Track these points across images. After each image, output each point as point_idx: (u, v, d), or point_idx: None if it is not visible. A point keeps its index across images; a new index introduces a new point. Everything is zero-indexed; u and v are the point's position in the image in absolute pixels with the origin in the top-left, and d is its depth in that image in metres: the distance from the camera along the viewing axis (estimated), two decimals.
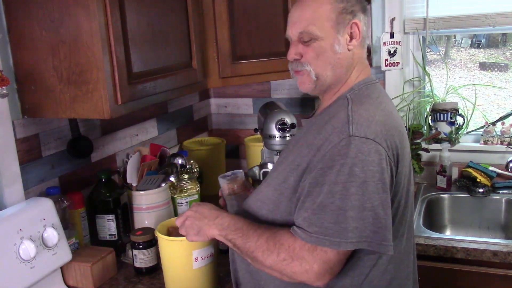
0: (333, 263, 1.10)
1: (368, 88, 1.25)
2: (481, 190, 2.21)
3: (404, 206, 1.23)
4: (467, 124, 2.37)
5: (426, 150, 2.31)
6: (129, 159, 1.85)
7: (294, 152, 1.22)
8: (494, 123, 2.33)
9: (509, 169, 2.15)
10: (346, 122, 1.13)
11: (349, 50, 1.23)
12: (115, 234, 1.76)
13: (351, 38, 1.23)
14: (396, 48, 2.32)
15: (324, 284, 1.12)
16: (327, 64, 1.23)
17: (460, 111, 2.36)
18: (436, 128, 2.35)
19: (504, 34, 2.60)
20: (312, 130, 1.21)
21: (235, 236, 1.21)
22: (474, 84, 2.39)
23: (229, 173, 1.46)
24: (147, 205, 1.80)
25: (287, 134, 1.79)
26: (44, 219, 1.46)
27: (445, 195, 2.30)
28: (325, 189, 1.10)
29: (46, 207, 1.49)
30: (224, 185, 1.44)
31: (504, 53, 2.66)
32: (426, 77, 2.40)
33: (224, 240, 1.23)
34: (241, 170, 1.48)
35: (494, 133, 2.32)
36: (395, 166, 1.16)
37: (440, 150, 2.32)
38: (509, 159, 2.15)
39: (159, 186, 1.82)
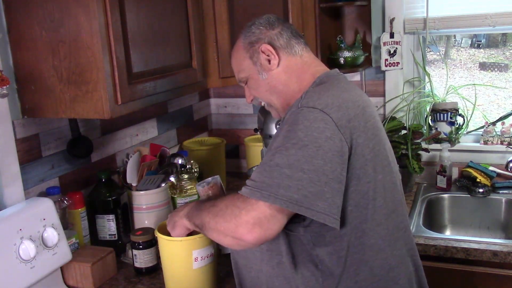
0: (263, 216, 1.10)
1: (322, 80, 1.29)
2: (481, 190, 2.21)
3: (374, 186, 1.21)
4: (467, 124, 2.37)
5: (426, 150, 2.31)
6: (129, 159, 1.85)
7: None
8: (494, 123, 2.33)
9: (509, 169, 2.15)
10: (299, 100, 1.21)
11: (272, 70, 1.33)
12: (115, 234, 1.76)
13: (269, 60, 1.32)
14: (396, 48, 2.32)
15: (255, 239, 1.11)
16: (264, 91, 1.37)
17: (460, 111, 2.36)
18: (436, 128, 2.35)
19: (504, 34, 2.60)
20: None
21: (193, 214, 1.29)
22: (474, 84, 2.39)
23: (205, 180, 1.55)
24: (147, 205, 1.80)
25: None
26: (44, 219, 1.46)
27: (445, 195, 2.30)
28: (270, 152, 1.15)
29: (46, 207, 1.49)
30: (200, 191, 1.52)
31: (504, 53, 2.66)
32: (426, 77, 2.40)
33: (193, 225, 1.31)
34: (217, 176, 1.55)
35: (494, 133, 2.32)
36: (349, 138, 1.15)
37: (440, 150, 2.32)
38: (509, 159, 2.15)
39: (159, 186, 1.82)
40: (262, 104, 1.44)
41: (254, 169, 1.89)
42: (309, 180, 1.09)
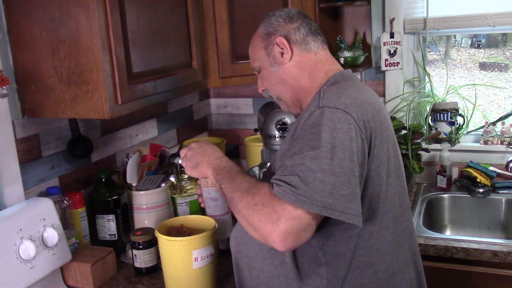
0: (301, 225, 1.07)
1: (337, 80, 1.29)
2: (481, 190, 2.21)
3: (385, 189, 1.21)
4: (467, 124, 2.37)
5: (426, 150, 2.31)
6: (129, 159, 1.85)
7: (282, 146, 1.29)
8: (494, 123, 2.33)
9: (509, 169, 2.15)
10: (317, 99, 1.18)
11: (284, 64, 1.32)
12: (115, 234, 1.76)
13: (282, 53, 1.32)
14: (396, 48, 2.32)
15: (286, 248, 1.09)
16: (274, 84, 1.36)
17: (460, 111, 2.36)
18: (436, 128, 2.35)
19: (504, 34, 2.60)
20: (295, 123, 1.27)
21: (224, 177, 1.25)
22: (474, 84, 2.39)
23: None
24: (147, 205, 1.80)
25: (286, 135, 1.79)
26: (44, 219, 1.46)
27: (445, 195, 2.30)
28: (296, 154, 1.11)
29: (46, 207, 1.49)
30: (200, 181, 1.47)
31: (504, 53, 2.65)
32: (426, 77, 2.40)
33: (215, 180, 1.28)
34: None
35: (494, 133, 2.32)
36: (368, 138, 1.15)
37: (440, 150, 2.32)
38: (509, 159, 2.15)
39: (159, 186, 1.82)
40: (271, 96, 1.42)
41: (254, 169, 1.90)
42: (340, 183, 1.08)
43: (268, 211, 1.09)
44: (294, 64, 1.32)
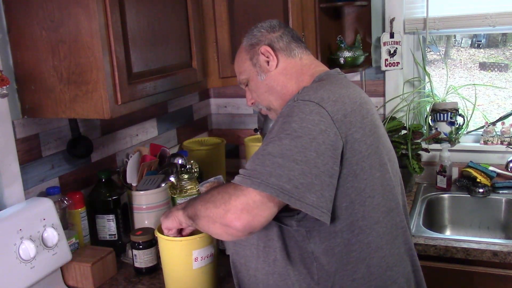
0: (252, 202, 1.09)
1: (322, 78, 1.31)
2: (481, 190, 2.21)
3: (371, 183, 1.20)
4: (467, 124, 2.37)
5: (426, 150, 2.31)
6: (129, 159, 1.85)
7: None
8: (494, 123, 2.33)
9: (509, 169, 2.15)
10: (295, 95, 1.22)
11: (271, 71, 1.35)
12: (115, 234, 1.76)
13: (268, 62, 1.35)
14: (396, 48, 2.32)
15: (242, 225, 1.10)
16: (263, 93, 1.39)
17: (460, 111, 2.36)
18: (436, 128, 2.35)
19: (504, 34, 2.60)
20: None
21: (190, 206, 1.27)
22: (474, 84, 2.39)
23: (208, 179, 1.57)
24: (147, 205, 1.80)
25: None
26: (44, 219, 1.46)
27: (445, 195, 2.30)
28: (264, 142, 1.16)
29: (46, 207, 1.49)
30: (202, 191, 1.52)
31: (504, 53, 2.66)
32: (426, 77, 2.40)
33: (186, 217, 1.29)
34: (220, 176, 1.57)
35: (494, 133, 2.32)
36: (344, 133, 1.15)
37: (440, 150, 2.32)
38: (509, 159, 2.15)
39: (159, 186, 1.82)
40: (261, 109, 1.45)
41: None
42: (301, 171, 1.09)
43: (222, 196, 1.14)
44: (280, 71, 1.35)
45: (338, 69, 1.38)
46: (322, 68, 1.37)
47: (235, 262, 1.37)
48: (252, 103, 1.46)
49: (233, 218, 1.10)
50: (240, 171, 1.15)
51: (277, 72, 1.35)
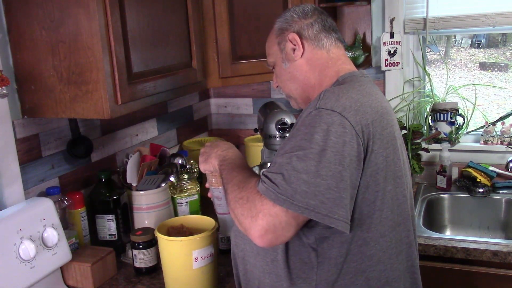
0: (278, 223, 1.07)
1: (345, 80, 1.27)
2: (481, 190, 2.21)
3: (382, 196, 1.18)
4: (467, 124, 2.37)
5: (426, 150, 2.31)
6: (129, 159, 1.85)
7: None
8: (494, 123, 2.33)
9: (509, 169, 2.15)
10: (316, 100, 1.17)
11: (295, 60, 1.32)
12: (115, 234, 1.76)
13: (294, 50, 1.32)
14: (396, 48, 2.32)
15: (265, 244, 1.09)
16: (285, 80, 1.37)
17: (460, 111, 2.36)
18: (436, 128, 2.35)
19: (504, 34, 2.60)
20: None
21: (225, 168, 1.29)
22: (474, 84, 2.39)
23: None
24: (147, 205, 1.80)
25: (287, 134, 1.78)
26: (44, 219, 1.46)
27: (445, 195, 2.30)
28: (287, 153, 1.12)
29: (46, 207, 1.49)
30: (209, 176, 1.50)
31: (504, 53, 2.66)
32: (426, 77, 2.40)
33: (218, 169, 1.32)
34: None
35: (494, 133, 2.32)
36: (365, 143, 1.13)
37: (440, 150, 2.32)
38: (509, 159, 2.15)
39: (159, 186, 1.82)
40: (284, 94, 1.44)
41: (254, 169, 1.90)
42: (327, 186, 1.07)
43: (250, 206, 1.11)
44: (305, 61, 1.32)
45: (363, 71, 1.34)
46: (348, 66, 1.33)
47: (234, 254, 1.37)
48: (277, 86, 1.44)
49: (256, 236, 1.09)
50: (264, 177, 1.11)
51: (302, 61, 1.32)
